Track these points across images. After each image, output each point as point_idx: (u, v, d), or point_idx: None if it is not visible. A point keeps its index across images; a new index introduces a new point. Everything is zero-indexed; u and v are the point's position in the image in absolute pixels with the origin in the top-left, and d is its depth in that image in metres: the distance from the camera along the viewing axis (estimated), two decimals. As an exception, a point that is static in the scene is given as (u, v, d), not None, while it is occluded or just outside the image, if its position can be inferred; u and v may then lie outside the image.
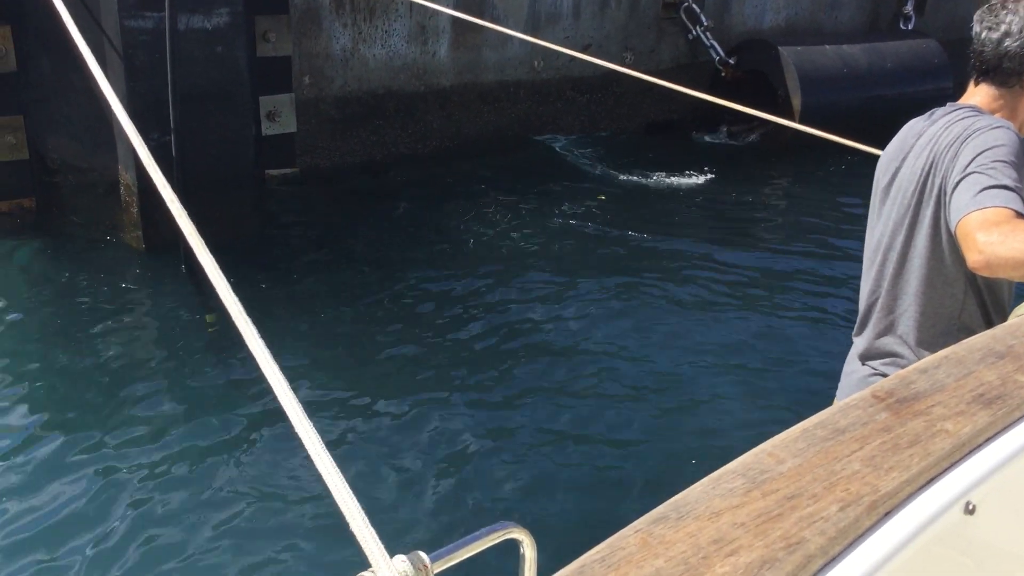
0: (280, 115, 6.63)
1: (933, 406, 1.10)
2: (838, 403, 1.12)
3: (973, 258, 1.69)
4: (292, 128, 6.74)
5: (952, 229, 1.80)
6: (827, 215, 7.04)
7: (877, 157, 2.20)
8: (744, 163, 8.19)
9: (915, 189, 2.00)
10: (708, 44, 8.54)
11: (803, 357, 4.74)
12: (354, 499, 1.12)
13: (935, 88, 9.23)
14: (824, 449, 1.00)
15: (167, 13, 5.08)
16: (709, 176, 7.74)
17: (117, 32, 5.29)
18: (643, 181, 7.49)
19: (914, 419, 1.07)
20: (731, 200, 7.30)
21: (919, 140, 2.03)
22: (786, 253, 6.31)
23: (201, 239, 2.21)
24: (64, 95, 5.69)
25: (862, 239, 2.23)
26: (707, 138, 8.64)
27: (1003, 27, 1.99)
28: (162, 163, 2.64)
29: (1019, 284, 2.09)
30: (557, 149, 8.01)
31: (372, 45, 7.04)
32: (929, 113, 2.08)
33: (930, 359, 1.22)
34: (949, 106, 2.06)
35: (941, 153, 1.93)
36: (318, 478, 1.14)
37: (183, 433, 4.04)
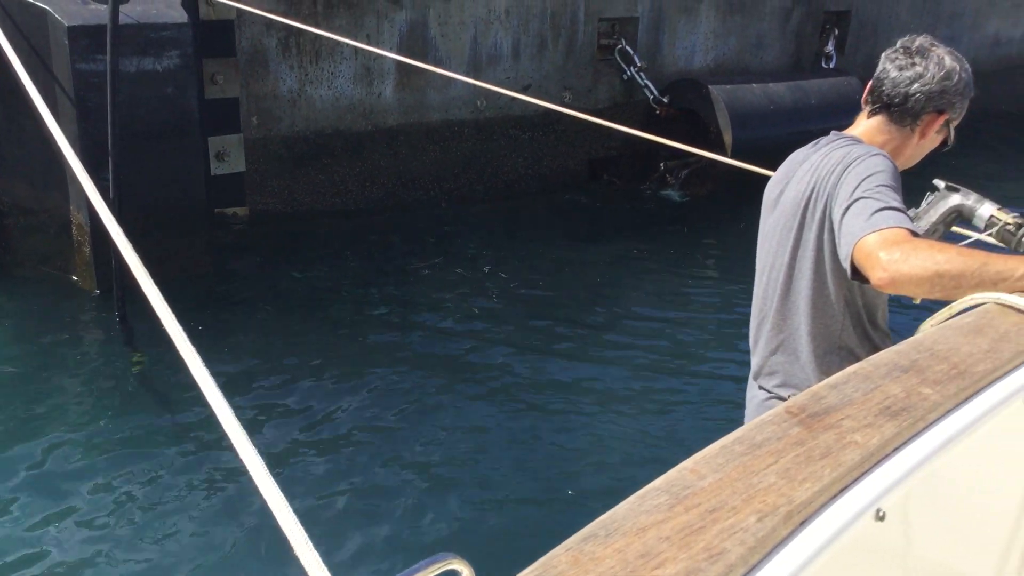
0: (229, 155, 6.74)
1: (843, 419, 1.14)
2: (754, 420, 1.16)
3: (878, 276, 1.74)
4: (241, 167, 6.85)
5: (847, 252, 1.84)
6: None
7: None
8: (684, 212, 8.52)
9: (797, 213, 2.08)
10: (643, 84, 8.88)
11: (716, 390, 5.03)
12: (303, 531, 1.14)
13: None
14: (742, 463, 1.04)
15: (108, 57, 5.18)
16: (649, 225, 8.04)
17: (69, 75, 5.38)
18: (582, 238, 7.72)
19: (825, 432, 1.11)
20: (662, 250, 7.56)
21: (802, 167, 2.13)
22: (713, 289, 6.59)
23: (146, 271, 2.32)
24: (15, 138, 5.74)
25: None
26: (659, 193, 8.96)
27: (917, 69, 2.07)
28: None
29: (894, 302, 2.27)
30: (501, 193, 8.23)
31: (319, 86, 7.20)
32: (814, 142, 2.19)
33: (839, 375, 1.27)
34: (833, 135, 2.17)
35: (822, 179, 2.02)
36: (264, 509, 1.16)
37: (122, 467, 4.05)
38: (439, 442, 4.44)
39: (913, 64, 2.10)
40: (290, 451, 4.28)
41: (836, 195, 1.96)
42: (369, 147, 7.52)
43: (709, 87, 8.69)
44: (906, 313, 2.85)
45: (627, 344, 5.66)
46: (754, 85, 9.02)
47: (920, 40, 2.15)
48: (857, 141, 2.11)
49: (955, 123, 2.20)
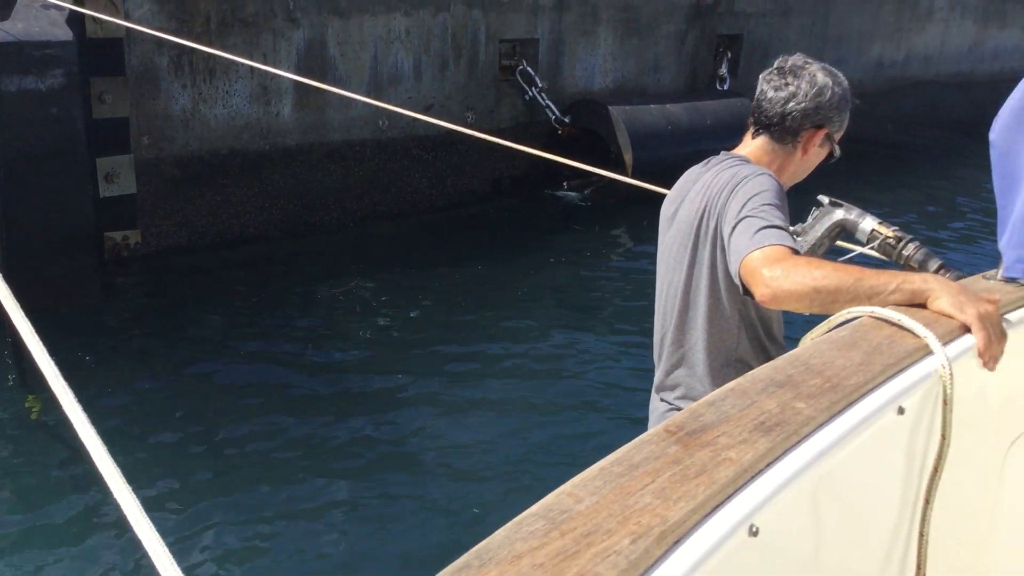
0: (119, 176, 6.50)
1: (719, 436, 1.14)
2: (634, 440, 1.15)
3: (761, 292, 1.79)
4: (132, 189, 6.62)
5: (736, 269, 1.89)
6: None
7: None
8: (586, 219, 8.62)
9: (691, 231, 2.13)
10: (544, 104, 8.98)
11: (619, 404, 5.08)
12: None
13: (751, 143, 10.02)
14: (619, 485, 1.03)
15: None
16: (553, 234, 8.10)
17: (-57, 94, 5.11)
18: (488, 245, 7.75)
19: (701, 450, 1.11)
20: (570, 257, 7.64)
21: (695, 185, 2.17)
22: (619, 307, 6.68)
23: (16, 303, 2.19)
24: None
25: None
26: (556, 193, 9.06)
27: (790, 88, 2.13)
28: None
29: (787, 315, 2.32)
30: (405, 213, 8.17)
31: (213, 105, 7.03)
32: (706, 161, 2.23)
33: (717, 392, 1.27)
34: (723, 155, 2.22)
35: (713, 198, 2.07)
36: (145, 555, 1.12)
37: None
38: (335, 472, 4.35)
39: (787, 84, 2.16)
40: (176, 494, 4.11)
41: (725, 214, 2.01)
42: (267, 167, 7.37)
43: (609, 108, 8.84)
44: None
45: (531, 360, 5.67)
46: (652, 106, 9.23)
47: (793, 59, 2.20)
48: (745, 161, 2.17)
49: (838, 135, 2.25)
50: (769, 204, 1.94)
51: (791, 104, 2.14)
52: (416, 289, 6.66)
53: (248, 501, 4.11)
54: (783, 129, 2.17)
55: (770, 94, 2.18)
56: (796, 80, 2.15)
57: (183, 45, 6.26)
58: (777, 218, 1.91)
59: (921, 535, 1.45)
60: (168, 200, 6.93)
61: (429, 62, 8.20)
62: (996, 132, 1.74)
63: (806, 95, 2.14)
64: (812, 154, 2.24)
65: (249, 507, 4.06)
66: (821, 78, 2.16)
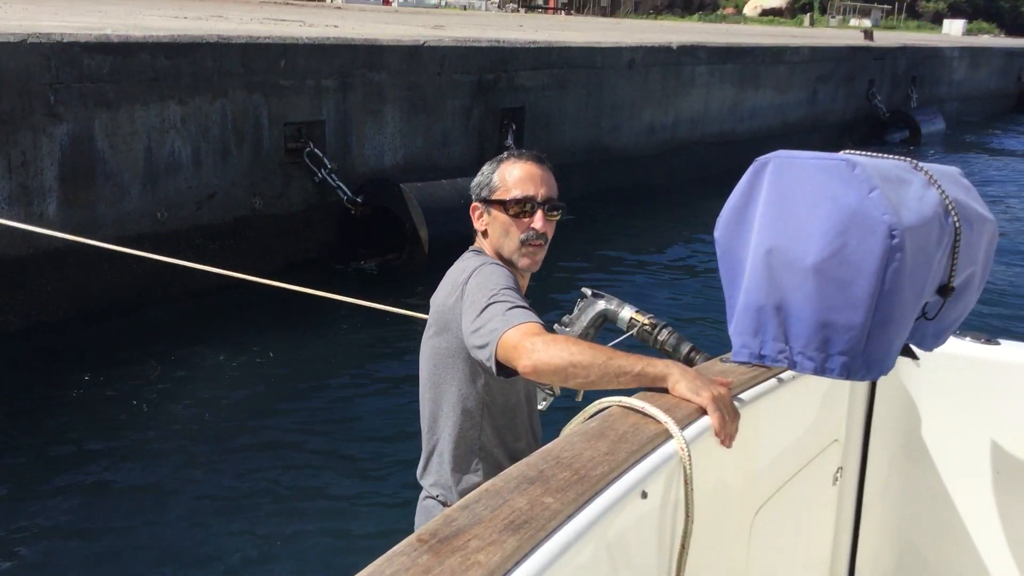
0: None
1: (470, 540, 1.15)
2: (386, 553, 1.14)
3: (523, 364, 1.82)
4: None
5: (491, 351, 1.91)
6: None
7: None
8: (378, 290, 8.54)
9: (435, 322, 2.21)
10: (335, 185, 8.91)
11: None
12: None
13: (541, 209, 10.35)
14: None
15: None
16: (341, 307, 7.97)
17: None
18: (276, 321, 7.55)
19: (452, 556, 1.11)
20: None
21: (448, 278, 2.25)
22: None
23: None
24: None
25: None
26: (347, 268, 8.98)
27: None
28: None
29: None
30: (194, 300, 7.81)
31: (-34, 209, 6.47)
32: (468, 249, 2.32)
33: (472, 495, 1.29)
34: (469, 249, 2.31)
35: (452, 292, 2.15)
36: None
37: None
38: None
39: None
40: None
41: (464, 307, 2.06)
42: (33, 273, 6.83)
43: (401, 186, 8.89)
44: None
45: (312, 440, 5.56)
46: (443, 181, 9.35)
47: None
48: (479, 252, 2.27)
49: (497, 194, 2.24)
50: (507, 288, 2.03)
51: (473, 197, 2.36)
52: (199, 369, 6.40)
53: None
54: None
55: None
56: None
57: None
58: (519, 299, 2.00)
59: None
60: (-84, 316, 6.27)
61: (209, 149, 7.95)
62: (719, 230, 1.87)
63: (473, 185, 2.36)
64: (492, 228, 2.24)
65: None
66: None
